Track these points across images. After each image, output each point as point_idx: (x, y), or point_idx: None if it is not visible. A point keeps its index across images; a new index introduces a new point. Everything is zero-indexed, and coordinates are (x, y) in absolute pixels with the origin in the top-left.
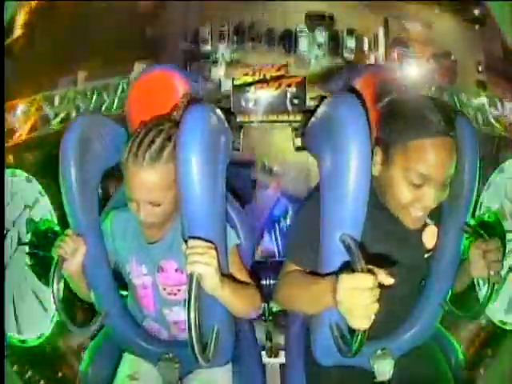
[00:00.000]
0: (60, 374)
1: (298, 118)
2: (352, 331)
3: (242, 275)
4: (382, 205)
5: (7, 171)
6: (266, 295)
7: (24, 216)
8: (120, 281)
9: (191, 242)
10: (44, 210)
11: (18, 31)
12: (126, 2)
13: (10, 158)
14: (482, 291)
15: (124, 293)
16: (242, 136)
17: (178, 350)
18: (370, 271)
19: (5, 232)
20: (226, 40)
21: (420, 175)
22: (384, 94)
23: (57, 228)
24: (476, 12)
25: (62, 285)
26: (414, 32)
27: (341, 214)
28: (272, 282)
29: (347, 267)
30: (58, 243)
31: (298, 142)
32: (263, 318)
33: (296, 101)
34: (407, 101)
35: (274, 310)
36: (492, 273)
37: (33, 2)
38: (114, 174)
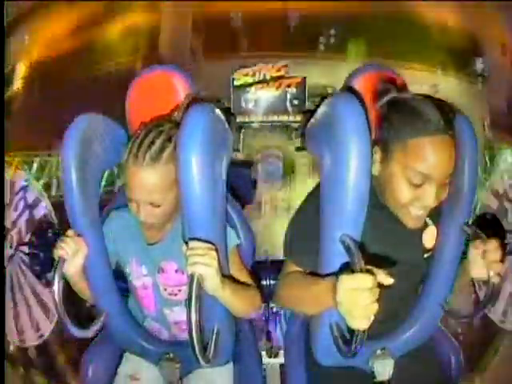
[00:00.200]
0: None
1: (298, 118)
2: (351, 331)
3: (243, 275)
4: (382, 204)
5: (8, 172)
6: (266, 295)
7: (24, 217)
8: (121, 281)
9: (192, 243)
10: (44, 211)
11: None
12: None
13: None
14: (482, 291)
15: (124, 294)
16: (241, 136)
17: (178, 349)
18: (369, 271)
19: (5, 232)
20: None
21: (419, 174)
22: (383, 93)
23: (57, 228)
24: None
25: (62, 285)
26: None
27: (341, 214)
28: (272, 282)
29: (347, 268)
30: (59, 244)
31: (298, 142)
32: (263, 318)
33: (296, 101)
34: (406, 99)
35: (274, 310)
36: (492, 273)
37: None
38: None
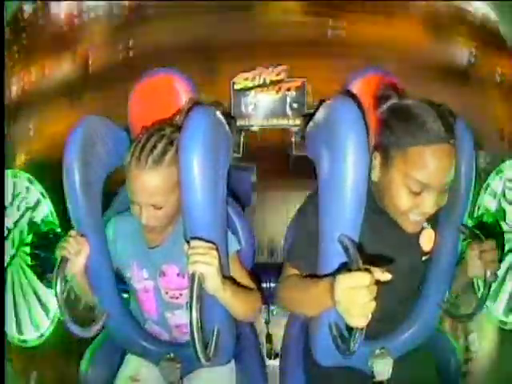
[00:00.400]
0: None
1: (298, 121)
2: (350, 330)
3: (245, 280)
4: (381, 209)
5: (9, 172)
6: (266, 297)
7: (26, 217)
8: (122, 283)
9: (193, 243)
10: (46, 212)
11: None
12: None
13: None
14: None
15: (126, 295)
16: (242, 140)
17: (179, 350)
18: (366, 270)
19: (6, 232)
20: None
21: (419, 182)
22: (384, 98)
23: (58, 229)
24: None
25: (63, 285)
26: None
27: (339, 215)
28: (272, 284)
29: (344, 268)
30: (62, 244)
31: (298, 145)
32: (264, 320)
33: (295, 105)
34: (407, 106)
35: (275, 312)
36: (489, 273)
37: None
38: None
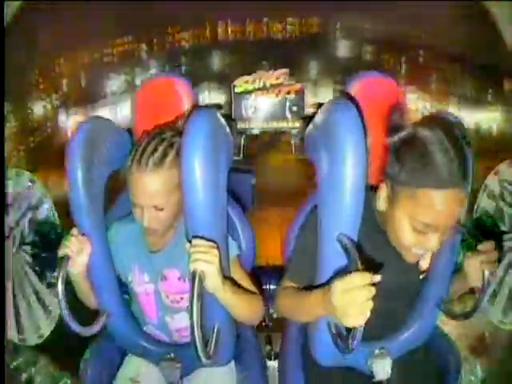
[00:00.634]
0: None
1: (297, 124)
2: (348, 328)
3: (246, 283)
4: (382, 230)
5: (11, 172)
6: (267, 299)
7: (27, 217)
8: (123, 285)
9: (195, 241)
10: (47, 212)
11: None
12: None
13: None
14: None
15: (127, 296)
16: (242, 142)
17: (179, 350)
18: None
19: (7, 232)
20: None
21: (425, 224)
22: (396, 128)
23: (59, 229)
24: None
25: (65, 283)
26: None
27: (338, 216)
28: (272, 286)
29: (343, 269)
30: (64, 242)
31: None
32: (263, 322)
33: (295, 108)
34: (422, 142)
35: (275, 315)
36: (487, 273)
37: None
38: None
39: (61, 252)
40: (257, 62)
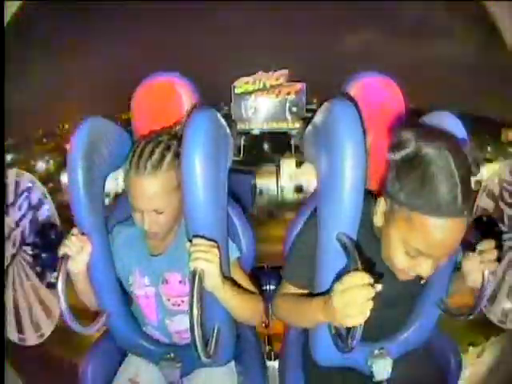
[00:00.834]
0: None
1: (297, 125)
2: (348, 328)
3: (246, 285)
4: (378, 238)
5: (12, 172)
6: (266, 300)
7: (28, 217)
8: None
9: (195, 240)
10: (47, 212)
11: None
12: None
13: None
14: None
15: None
16: (242, 143)
17: (179, 350)
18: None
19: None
20: None
21: (418, 251)
22: (400, 145)
23: (59, 230)
24: None
25: (65, 282)
26: None
27: (337, 215)
28: (272, 287)
29: (344, 268)
30: (64, 242)
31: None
32: (263, 323)
33: (295, 108)
34: (426, 163)
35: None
36: (487, 272)
37: None
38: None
39: (61, 251)
40: None
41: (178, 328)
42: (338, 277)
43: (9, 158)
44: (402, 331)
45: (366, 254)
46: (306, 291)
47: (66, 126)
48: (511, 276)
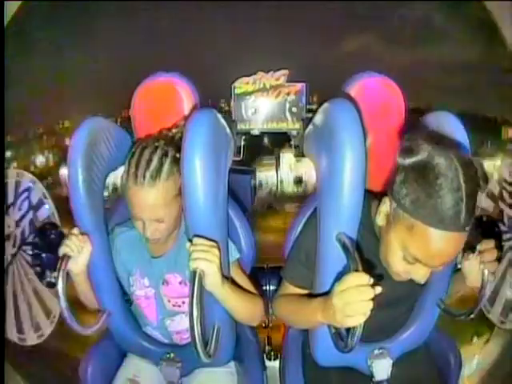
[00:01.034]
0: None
1: (297, 125)
2: (348, 327)
3: (246, 286)
4: (378, 238)
5: (12, 172)
6: (266, 300)
7: (28, 217)
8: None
9: (195, 240)
10: (47, 212)
11: None
12: None
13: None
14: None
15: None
16: (242, 143)
17: (179, 349)
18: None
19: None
20: None
21: (416, 258)
22: (409, 151)
23: (59, 230)
24: None
25: (66, 281)
26: None
27: (337, 215)
28: (272, 287)
29: (343, 269)
30: (64, 241)
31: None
32: (263, 324)
33: (294, 109)
34: (434, 172)
35: (274, 317)
36: (486, 272)
37: None
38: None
39: (61, 251)
40: None
41: (178, 328)
42: (338, 277)
43: (8, 153)
44: (401, 331)
45: (366, 254)
46: (306, 291)
47: (66, 124)
48: (511, 276)
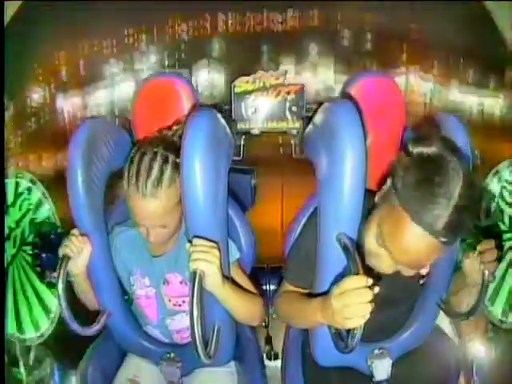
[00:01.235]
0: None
1: (297, 125)
2: (348, 328)
3: (246, 286)
4: None
5: (11, 172)
6: (266, 300)
7: (27, 217)
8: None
9: (195, 241)
10: (47, 212)
11: None
12: None
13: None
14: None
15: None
16: (242, 143)
17: (179, 350)
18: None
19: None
20: None
21: (384, 244)
22: (429, 140)
23: (59, 230)
24: None
25: (65, 282)
26: None
27: (338, 216)
28: (272, 287)
29: (343, 269)
30: (64, 242)
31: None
32: (263, 324)
33: (294, 108)
34: (442, 171)
35: (274, 316)
36: (487, 272)
37: None
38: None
39: (61, 252)
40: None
41: (178, 327)
42: (338, 277)
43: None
44: (401, 331)
45: None
46: (306, 291)
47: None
48: (511, 276)
